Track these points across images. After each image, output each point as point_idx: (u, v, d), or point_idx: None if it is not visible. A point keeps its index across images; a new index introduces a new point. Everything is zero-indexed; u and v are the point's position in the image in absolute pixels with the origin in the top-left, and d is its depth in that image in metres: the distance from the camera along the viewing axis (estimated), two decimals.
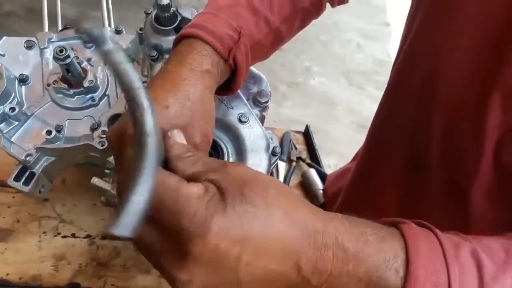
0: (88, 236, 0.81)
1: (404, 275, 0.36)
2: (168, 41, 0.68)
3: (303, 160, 1.06)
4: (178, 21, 0.67)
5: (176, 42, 0.57)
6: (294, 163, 1.05)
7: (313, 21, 0.76)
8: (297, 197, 0.39)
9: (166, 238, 0.34)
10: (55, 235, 0.80)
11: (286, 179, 1.00)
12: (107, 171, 0.77)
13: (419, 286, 0.35)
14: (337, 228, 0.37)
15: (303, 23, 0.73)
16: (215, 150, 0.67)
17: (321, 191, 0.98)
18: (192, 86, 0.48)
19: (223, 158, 0.67)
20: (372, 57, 3.45)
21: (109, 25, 1.68)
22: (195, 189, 0.34)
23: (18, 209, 0.82)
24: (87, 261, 0.77)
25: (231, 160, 0.67)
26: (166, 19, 0.66)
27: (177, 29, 0.67)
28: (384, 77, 3.26)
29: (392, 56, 3.49)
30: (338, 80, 3.12)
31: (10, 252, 0.76)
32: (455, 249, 0.38)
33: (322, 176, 1.02)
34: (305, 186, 1.01)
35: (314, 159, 1.07)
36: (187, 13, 0.68)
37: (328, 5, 0.76)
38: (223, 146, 0.67)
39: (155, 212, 0.33)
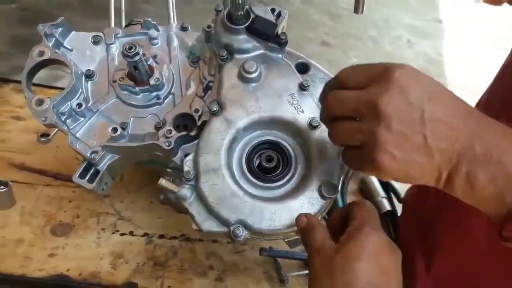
0: (145, 234, 0.81)
1: None
2: (239, 40, 0.65)
3: None
4: (250, 20, 0.64)
5: None
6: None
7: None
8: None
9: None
10: (113, 232, 0.80)
11: (344, 185, 0.96)
12: (168, 170, 0.75)
13: None
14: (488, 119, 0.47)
15: None
16: (282, 155, 0.64)
17: (383, 199, 0.93)
18: None
19: (290, 165, 0.64)
20: (423, 55, 3.32)
21: (174, 21, 1.66)
22: None
23: (78, 204, 0.83)
24: (144, 261, 0.77)
25: (299, 167, 0.64)
26: (239, 17, 0.63)
27: (248, 28, 0.65)
28: (435, 77, 3.15)
29: (445, 54, 3.36)
30: None
31: (70, 248, 0.76)
32: None
33: (383, 182, 0.97)
34: (365, 193, 0.97)
35: None
36: (260, 11, 0.65)
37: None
38: (291, 151, 0.64)
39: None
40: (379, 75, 0.47)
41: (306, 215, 0.56)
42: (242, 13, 0.62)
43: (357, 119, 0.49)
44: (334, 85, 0.53)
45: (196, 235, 0.81)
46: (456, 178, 0.45)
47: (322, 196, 0.60)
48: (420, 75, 0.47)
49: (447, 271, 0.78)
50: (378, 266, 0.47)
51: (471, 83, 3.15)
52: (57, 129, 0.94)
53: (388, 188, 0.98)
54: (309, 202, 0.60)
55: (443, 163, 0.45)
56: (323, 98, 0.54)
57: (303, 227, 0.54)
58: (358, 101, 0.47)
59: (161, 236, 0.81)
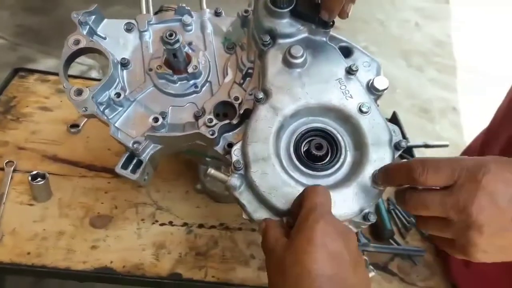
0: (185, 224, 0.80)
1: None
2: (282, 24, 0.64)
3: None
4: (295, 2, 0.62)
5: None
6: None
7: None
8: None
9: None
10: (153, 223, 0.79)
11: None
12: (208, 159, 0.74)
13: None
14: None
15: None
16: (331, 143, 0.63)
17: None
18: None
19: (340, 153, 0.62)
20: (431, 37, 3.28)
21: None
22: None
23: (114, 195, 0.82)
24: (186, 251, 0.76)
25: (348, 155, 0.63)
26: (283, 1, 0.61)
27: (293, 11, 0.63)
28: (444, 59, 3.11)
29: (453, 36, 3.32)
30: (396, 61, 2.99)
31: (111, 239, 0.76)
32: None
33: None
34: None
35: (406, 150, 1.00)
36: None
37: None
38: (340, 139, 0.63)
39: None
40: (463, 178, 0.48)
41: (266, 219, 0.57)
42: None
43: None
44: (406, 180, 0.53)
45: (234, 224, 0.81)
46: None
47: (376, 183, 0.59)
48: (505, 174, 0.48)
49: (487, 265, 0.78)
50: (327, 253, 0.46)
51: (480, 65, 3.12)
52: (86, 119, 0.93)
53: None
54: (362, 191, 0.58)
55: None
56: (403, 201, 0.54)
57: (261, 232, 0.55)
58: (444, 206, 0.49)
59: (201, 226, 0.80)
